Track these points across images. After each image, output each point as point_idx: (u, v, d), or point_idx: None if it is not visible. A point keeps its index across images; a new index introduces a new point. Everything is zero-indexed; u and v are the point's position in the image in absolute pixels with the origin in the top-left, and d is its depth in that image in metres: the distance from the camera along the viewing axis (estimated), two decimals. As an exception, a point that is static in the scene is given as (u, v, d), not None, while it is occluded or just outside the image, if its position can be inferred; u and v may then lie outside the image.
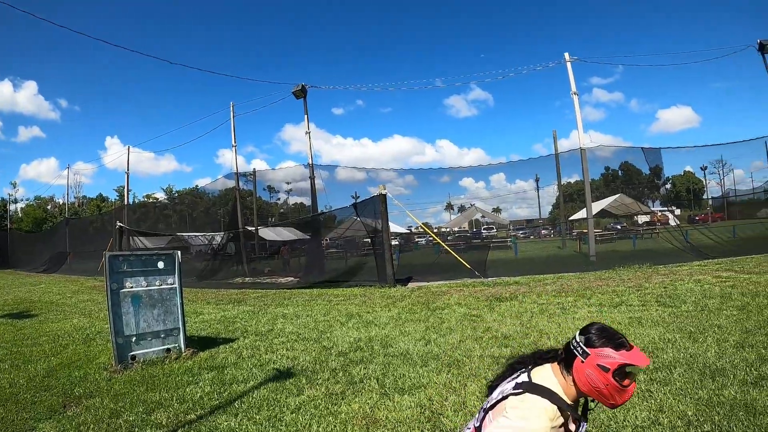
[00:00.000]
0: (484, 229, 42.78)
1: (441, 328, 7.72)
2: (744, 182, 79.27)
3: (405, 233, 30.70)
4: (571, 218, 33.29)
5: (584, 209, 21.19)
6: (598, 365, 1.77)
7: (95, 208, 61.67)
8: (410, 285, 13.98)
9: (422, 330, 7.65)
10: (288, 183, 45.93)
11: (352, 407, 4.54)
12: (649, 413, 4.05)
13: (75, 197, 60.37)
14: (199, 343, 7.57)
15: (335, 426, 4.16)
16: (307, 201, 29.29)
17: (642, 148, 21.33)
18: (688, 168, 54.16)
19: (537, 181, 38.11)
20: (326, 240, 23.26)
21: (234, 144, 24.73)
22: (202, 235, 28.65)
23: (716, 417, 3.96)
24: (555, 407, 1.78)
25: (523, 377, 1.93)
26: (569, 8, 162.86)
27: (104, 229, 32.19)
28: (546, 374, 1.92)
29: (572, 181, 36.33)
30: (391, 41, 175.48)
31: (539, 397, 1.79)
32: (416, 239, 26.08)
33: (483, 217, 42.88)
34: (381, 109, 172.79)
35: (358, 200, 18.33)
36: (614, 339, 1.82)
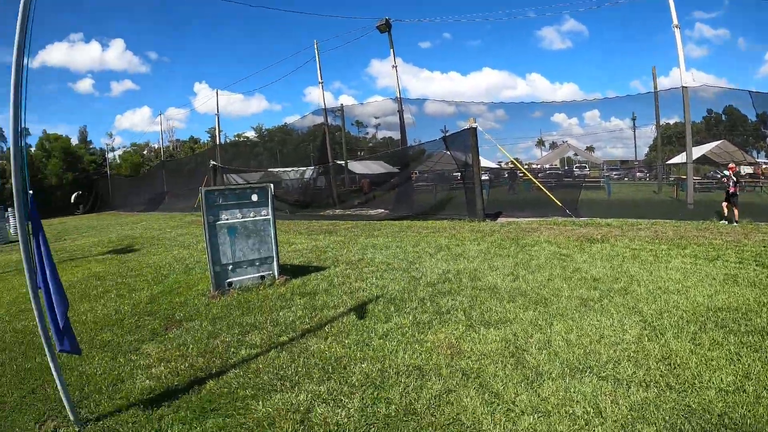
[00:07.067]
0: (576, 167, 40.80)
1: (530, 265, 7.51)
2: None
3: (494, 168, 30.03)
4: (668, 162, 30.42)
5: (683, 153, 19.38)
6: None
7: (189, 149, 64.11)
8: (500, 220, 13.80)
9: (511, 265, 7.49)
10: (376, 117, 44.89)
11: (438, 336, 4.50)
12: (735, 378, 3.66)
13: (169, 141, 63.14)
14: (291, 271, 7.77)
15: (421, 353, 4.14)
16: (395, 135, 29.07)
17: (749, 91, 18.24)
18: (804, 117, 47.63)
19: (634, 120, 34.03)
20: (415, 173, 22.83)
21: (320, 81, 25.03)
22: (293, 170, 29.18)
23: (808, 395, 3.42)
24: None
25: None
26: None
27: (198, 169, 33.06)
28: None
29: (671, 122, 33.00)
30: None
31: None
32: (506, 175, 25.19)
33: (575, 155, 40.54)
34: (470, 42, 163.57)
35: (448, 134, 17.84)
36: None
